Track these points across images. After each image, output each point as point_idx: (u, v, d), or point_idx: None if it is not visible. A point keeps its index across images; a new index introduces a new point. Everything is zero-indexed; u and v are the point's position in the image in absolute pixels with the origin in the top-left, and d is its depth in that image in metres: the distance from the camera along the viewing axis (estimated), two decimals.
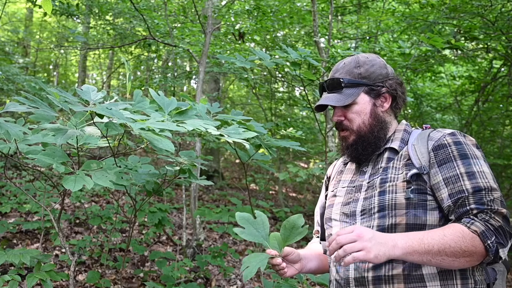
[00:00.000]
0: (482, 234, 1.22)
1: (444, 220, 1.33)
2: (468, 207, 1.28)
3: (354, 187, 1.50)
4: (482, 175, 1.30)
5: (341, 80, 1.49)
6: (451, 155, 1.34)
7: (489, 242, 1.22)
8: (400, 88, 1.52)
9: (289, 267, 1.41)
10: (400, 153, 1.44)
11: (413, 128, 1.53)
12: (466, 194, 1.28)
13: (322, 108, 1.57)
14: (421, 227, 1.32)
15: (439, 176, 1.33)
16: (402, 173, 1.38)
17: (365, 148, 1.48)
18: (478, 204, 1.26)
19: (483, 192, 1.27)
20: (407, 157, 1.41)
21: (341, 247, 1.18)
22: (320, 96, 1.59)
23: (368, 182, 1.45)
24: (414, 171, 1.35)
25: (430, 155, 1.37)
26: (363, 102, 1.49)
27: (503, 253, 1.24)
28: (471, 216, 1.26)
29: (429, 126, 1.49)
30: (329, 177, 1.71)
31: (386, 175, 1.41)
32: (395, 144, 1.46)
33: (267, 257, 1.32)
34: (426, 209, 1.33)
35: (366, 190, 1.44)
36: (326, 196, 1.66)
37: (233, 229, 1.38)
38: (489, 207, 1.26)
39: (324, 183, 1.75)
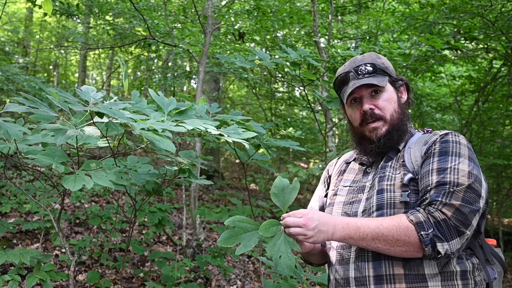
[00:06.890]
0: (418, 225, 1.23)
1: None
2: (424, 197, 1.29)
3: (357, 187, 1.50)
4: (454, 171, 1.28)
5: (376, 64, 1.48)
6: (432, 152, 1.36)
7: (422, 233, 1.22)
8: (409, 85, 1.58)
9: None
10: (399, 153, 1.46)
11: (416, 130, 1.53)
12: (430, 188, 1.28)
13: (349, 94, 1.51)
14: None
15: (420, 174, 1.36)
16: (399, 173, 1.39)
17: (400, 137, 1.47)
18: (434, 196, 1.26)
19: (447, 186, 1.26)
20: (403, 158, 1.43)
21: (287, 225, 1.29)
22: (339, 88, 1.55)
23: (371, 183, 1.46)
24: (410, 175, 1.36)
25: (423, 158, 1.38)
26: (390, 90, 1.50)
27: (442, 247, 1.22)
28: (418, 208, 1.28)
29: (430, 129, 1.50)
30: (330, 175, 1.70)
31: (384, 173, 1.42)
32: (400, 145, 1.48)
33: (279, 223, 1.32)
34: None
35: (368, 191, 1.45)
36: (326, 194, 1.65)
37: (271, 191, 1.35)
38: (442, 200, 1.24)
39: (323, 180, 1.73)
